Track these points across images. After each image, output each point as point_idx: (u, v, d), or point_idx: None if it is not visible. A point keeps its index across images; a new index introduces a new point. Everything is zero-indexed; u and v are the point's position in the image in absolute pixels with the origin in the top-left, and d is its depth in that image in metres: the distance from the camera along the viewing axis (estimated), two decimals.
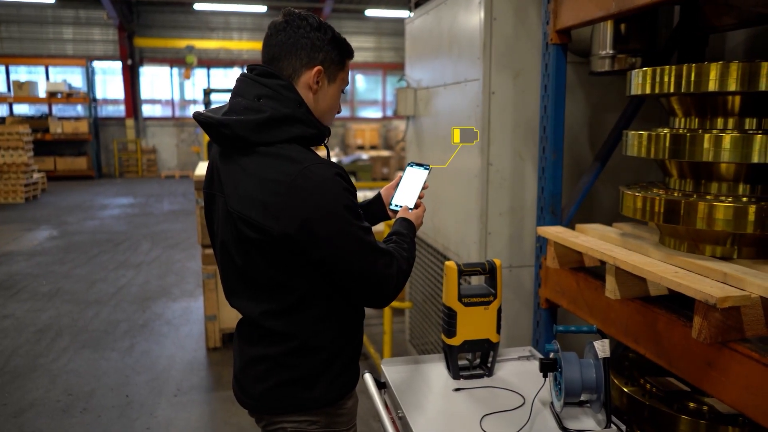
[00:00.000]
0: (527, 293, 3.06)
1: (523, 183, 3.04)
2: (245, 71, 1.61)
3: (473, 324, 1.99)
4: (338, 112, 1.73)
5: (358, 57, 20.18)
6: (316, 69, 1.56)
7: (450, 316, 1.99)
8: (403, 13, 17.15)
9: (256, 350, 1.66)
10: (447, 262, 1.99)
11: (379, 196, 1.95)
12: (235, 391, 1.77)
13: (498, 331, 2.03)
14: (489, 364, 2.07)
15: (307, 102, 1.58)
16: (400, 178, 1.93)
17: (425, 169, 1.91)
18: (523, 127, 2.99)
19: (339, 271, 1.52)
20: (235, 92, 1.57)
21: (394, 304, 4.32)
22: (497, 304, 2.01)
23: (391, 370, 2.11)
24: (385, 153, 16.15)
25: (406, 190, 1.90)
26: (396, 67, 19.87)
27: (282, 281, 1.55)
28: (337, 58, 1.61)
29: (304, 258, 1.50)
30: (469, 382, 2.02)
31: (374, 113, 21.09)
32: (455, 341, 2.00)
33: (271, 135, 1.49)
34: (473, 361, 2.12)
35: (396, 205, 1.88)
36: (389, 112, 20.42)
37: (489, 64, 2.93)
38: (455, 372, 2.04)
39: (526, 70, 2.96)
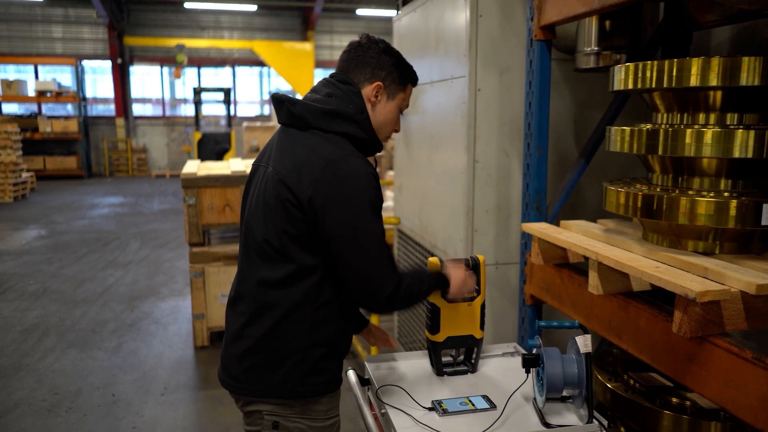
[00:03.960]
0: (513, 290, 3.06)
1: (509, 180, 3.04)
2: (327, 77, 1.84)
3: (457, 320, 1.99)
4: (397, 131, 1.93)
5: None
6: (375, 84, 1.78)
7: (433, 312, 1.98)
8: (393, 13, 17.28)
9: (242, 325, 1.76)
10: (430, 258, 1.98)
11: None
12: (219, 371, 1.87)
13: (482, 327, 2.02)
14: (473, 361, 2.07)
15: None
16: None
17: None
18: (509, 124, 2.99)
19: (341, 257, 1.65)
20: (312, 89, 1.81)
21: None
22: (481, 300, 2.00)
23: (374, 367, 2.10)
24: None
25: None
26: None
27: (288, 249, 1.68)
28: (399, 79, 1.81)
29: (315, 230, 1.65)
30: (452, 379, 2.01)
31: None
32: (438, 337, 1.99)
33: (328, 124, 1.70)
34: (457, 357, 2.11)
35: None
36: None
37: (475, 61, 2.93)
38: (439, 368, 2.04)
39: (511, 67, 2.96)
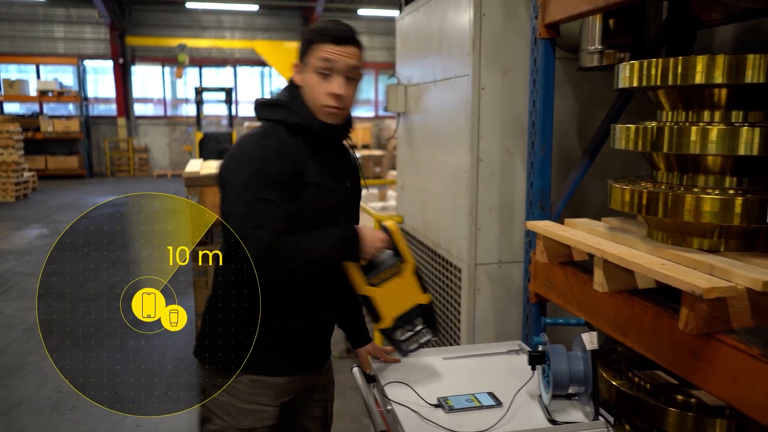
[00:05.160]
0: (517, 289, 3.06)
1: (512, 179, 3.04)
2: None
3: (394, 298, 1.85)
4: (337, 95, 1.75)
5: None
6: (293, 65, 1.84)
7: (366, 302, 1.86)
8: (394, 13, 17.20)
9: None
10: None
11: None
12: None
13: (424, 291, 1.89)
14: (430, 325, 1.92)
15: (303, 95, 1.82)
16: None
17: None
18: (512, 123, 2.99)
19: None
20: None
21: None
22: (410, 267, 1.87)
23: (379, 364, 2.11)
24: (377, 152, 16.10)
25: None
26: (388, 67, 19.79)
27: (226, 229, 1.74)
28: (306, 46, 1.80)
29: None
30: (458, 376, 2.01)
31: (366, 112, 21.05)
32: (385, 323, 1.86)
33: (267, 113, 1.84)
34: (415, 327, 1.93)
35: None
36: (381, 111, 20.40)
37: (478, 60, 2.93)
38: (400, 350, 1.92)
39: (515, 65, 2.96)
